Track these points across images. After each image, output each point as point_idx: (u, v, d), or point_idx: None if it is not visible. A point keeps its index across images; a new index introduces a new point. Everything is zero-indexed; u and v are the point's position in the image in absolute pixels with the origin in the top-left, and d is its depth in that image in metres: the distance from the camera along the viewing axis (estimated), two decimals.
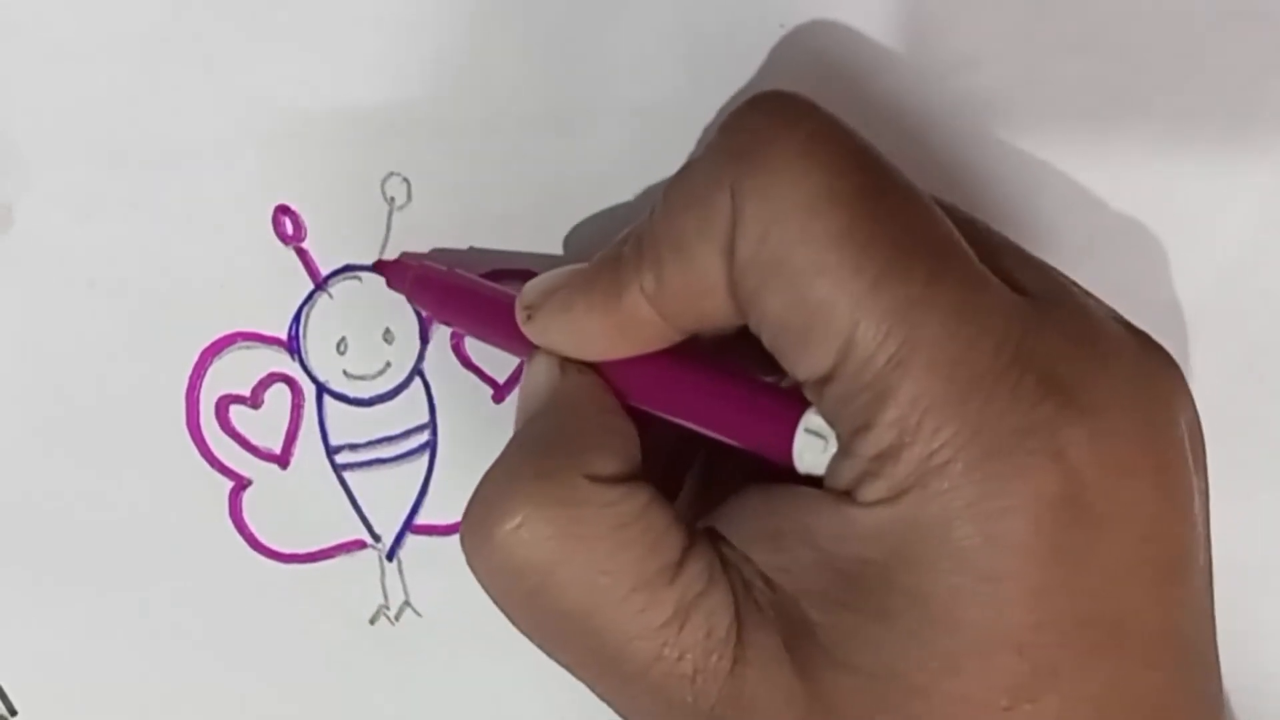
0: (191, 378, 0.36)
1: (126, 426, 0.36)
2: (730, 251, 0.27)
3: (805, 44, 0.35)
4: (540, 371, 0.30)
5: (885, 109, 0.35)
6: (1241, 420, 0.36)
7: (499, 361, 0.36)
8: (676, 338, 0.29)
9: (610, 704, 0.29)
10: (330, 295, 0.35)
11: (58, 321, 0.35)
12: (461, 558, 0.36)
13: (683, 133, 0.35)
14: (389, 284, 0.35)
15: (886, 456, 0.25)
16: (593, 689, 0.29)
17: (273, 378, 0.36)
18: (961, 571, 0.25)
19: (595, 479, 0.28)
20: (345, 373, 0.36)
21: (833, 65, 0.35)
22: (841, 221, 0.26)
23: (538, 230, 0.35)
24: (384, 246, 0.35)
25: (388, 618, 0.36)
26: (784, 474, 0.28)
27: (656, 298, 0.28)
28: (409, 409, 0.36)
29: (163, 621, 0.36)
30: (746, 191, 0.26)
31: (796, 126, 0.27)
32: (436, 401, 0.36)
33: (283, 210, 0.35)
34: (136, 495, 0.36)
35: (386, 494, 0.36)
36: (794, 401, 0.27)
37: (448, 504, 0.36)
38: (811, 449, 0.27)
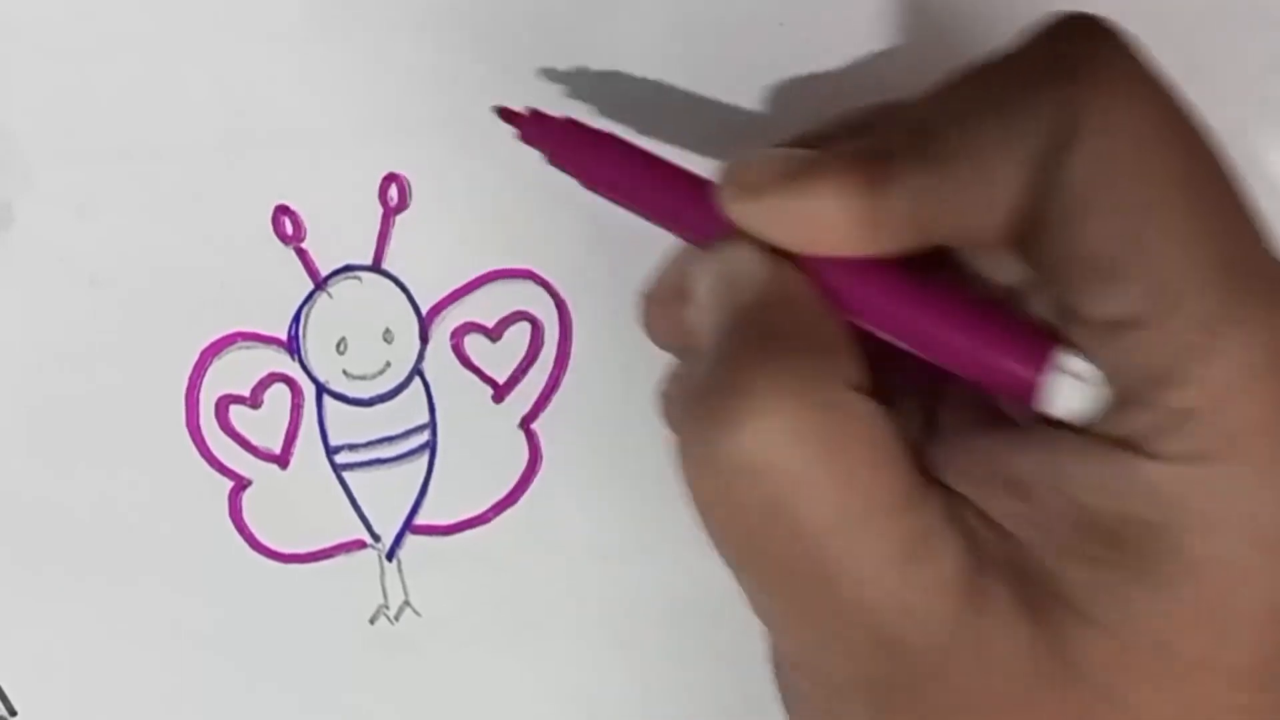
0: (191, 377, 0.36)
1: (126, 426, 0.36)
2: (1041, 169, 0.24)
3: (805, 43, 0.35)
4: (745, 259, 0.26)
5: None
6: None
7: (499, 361, 0.36)
8: (918, 247, 0.26)
9: (791, 636, 0.26)
10: (330, 295, 0.35)
11: (58, 320, 0.35)
12: (461, 558, 0.36)
13: (683, 133, 0.35)
14: (522, 136, 0.30)
15: (1198, 414, 0.23)
16: (780, 617, 0.26)
17: (272, 378, 0.36)
18: (1256, 545, 0.23)
19: (854, 388, 0.25)
20: (345, 373, 0.36)
21: (833, 65, 0.35)
22: (1185, 165, 0.24)
23: (537, 230, 0.35)
24: (383, 247, 0.35)
25: (387, 617, 0.36)
26: (1011, 417, 0.26)
27: (927, 200, 0.25)
28: (409, 409, 0.36)
29: (162, 621, 0.36)
30: (1085, 106, 0.24)
31: (1138, 55, 0.25)
32: (436, 401, 0.36)
33: (282, 210, 0.35)
34: (136, 495, 0.36)
35: (386, 494, 0.36)
36: (1042, 337, 0.25)
37: (447, 504, 0.36)
38: (1072, 391, 0.24)
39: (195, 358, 0.35)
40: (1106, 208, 0.24)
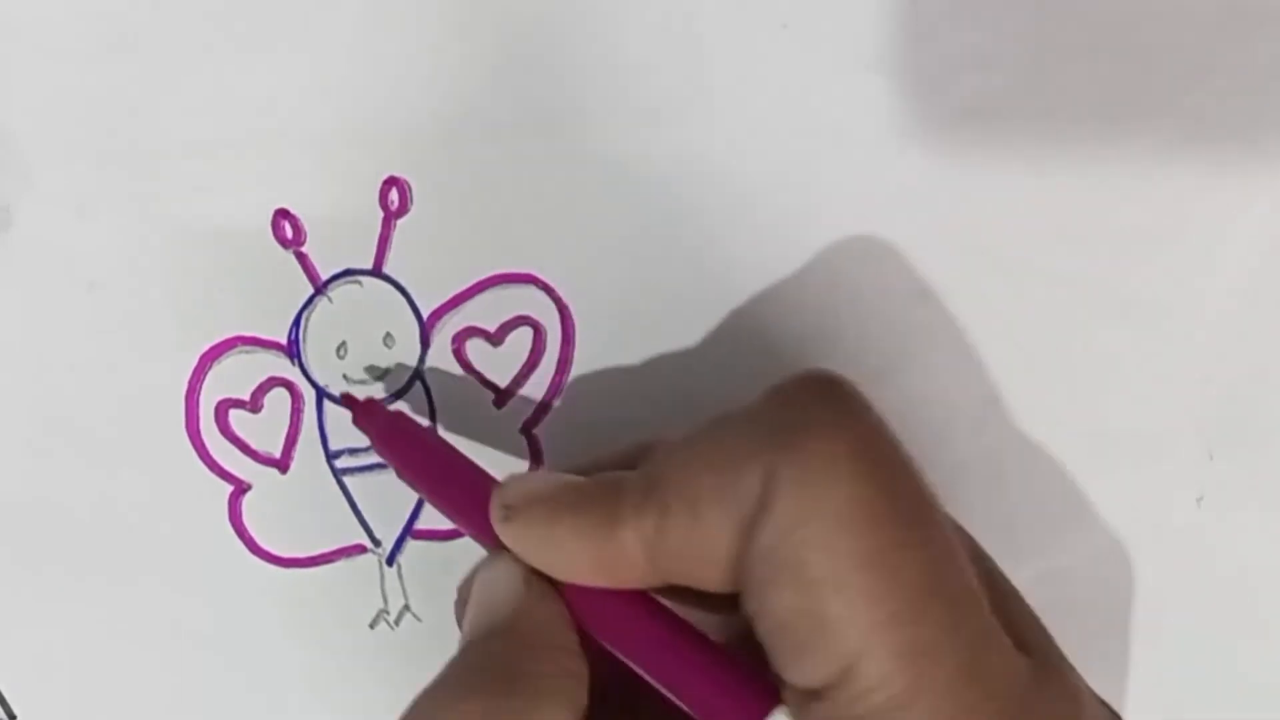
0: (191, 382, 0.36)
1: (126, 430, 0.36)
2: (748, 532, 0.26)
3: (807, 44, 0.35)
4: (503, 579, 0.29)
5: (886, 109, 0.35)
6: (1257, 431, 0.36)
7: (500, 367, 0.36)
8: (657, 584, 0.28)
9: None
10: (330, 299, 0.35)
11: (57, 324, 0.35)
12: (461, 563, 0.36)
13: (685, 134, 0.35)
14: (354, 421, 0.34)
15: None
16: None
17: (272, 382, 0.36)
18: None
19: None
20: (345, 377, 0.36)
21: (833, 65, 0.35)
22: (873, 545, 0.25)
23: (538, 234, 0.35)
24: (384, 251, 0.35)
25: (387, 622, 0.36)
26: None
27: (653, 546, 0.27)
28: (409, 413, 0.36)
29: (163, 625, 0.36)
30: (784, 479, 0.25)
31: (849, 426, 0.26)
32: (437, 406, 0.36)
33: (282, 214, 0.35)
34: (136, 498, 0.36)
35: (386, 499, 0.36)
36: (765, 692, 0.26)
37: None
38: None
39: (195, 361, 0.35)
40: (797, 581, 0.25)
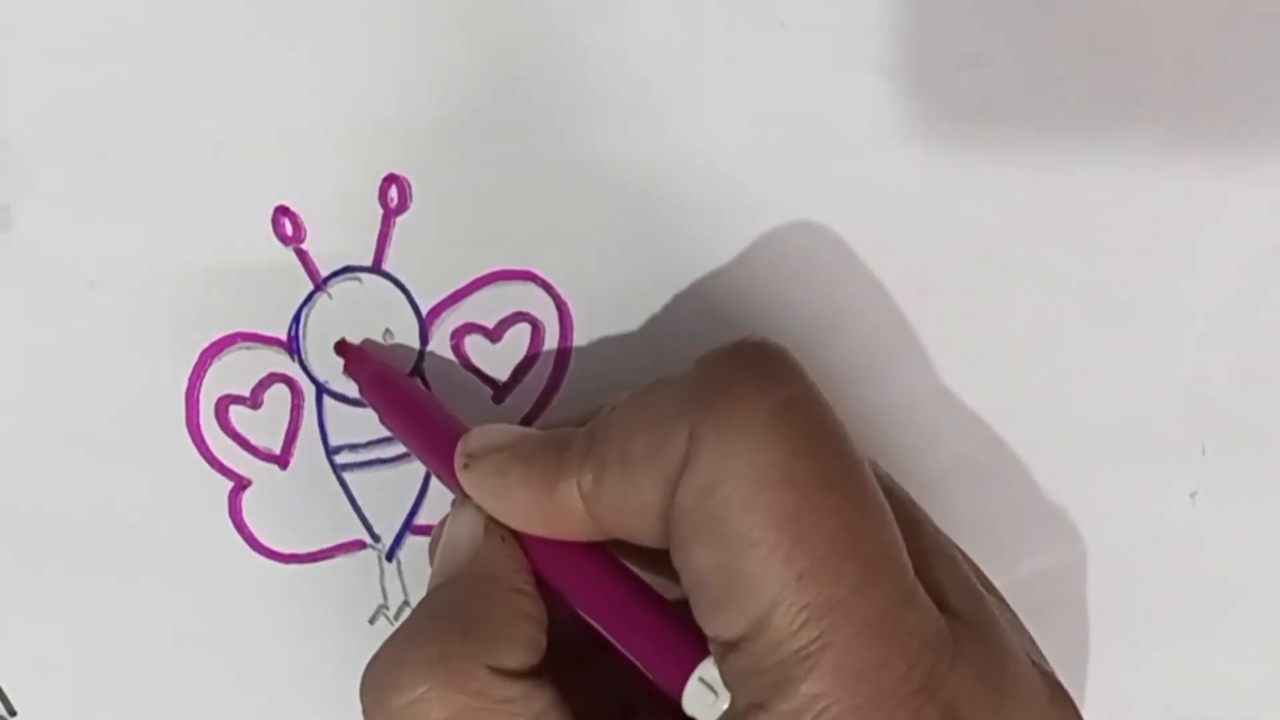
0: (191, 378, 0.36)
1: (126, 427, 0.36)
2: (673, 488, 0.27)
3: (806, 42, 0.35)
4: (464, 525, 0.31)
5: (885, 108, 0.35)
6: (1251, 426, 0.36)
7: (499, 362, 0.36)
8: (601, 537, 0.29)
9: None
10: (330, 296, 0.35)
11: (57, 322, 0.35)
12: None
13: (684, 132, 0.35)
14: (345, 370, 0.35)
15: None
16: None
17: (272, 378, 0.36)
18: None
19: (497, 671, 0.28)
20: (345, 373, 0.36)
21: (833, 64, 0.35)
22: (787, 504, 0.26)
23: (537, 231, 0.35)
24: (383, 248, 0.35)
25: (387, 618, 0.36)
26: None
27: (591, 499, 0.28)
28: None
29: (163, 622, 0.36)
30: (704, 440, 0.26)
31: (771, 391, 0.27)
32: None
33: (282, 211, 0.35)
34: (136, 495, 0.36)
35: (386, 494, 0.36)
36: (697, 643, 0.27)
37: (447, 505, 0.36)
38: (702, 699, 0.27)
39: (195, 358, 0.35)
40: (714, 537, 0.26)
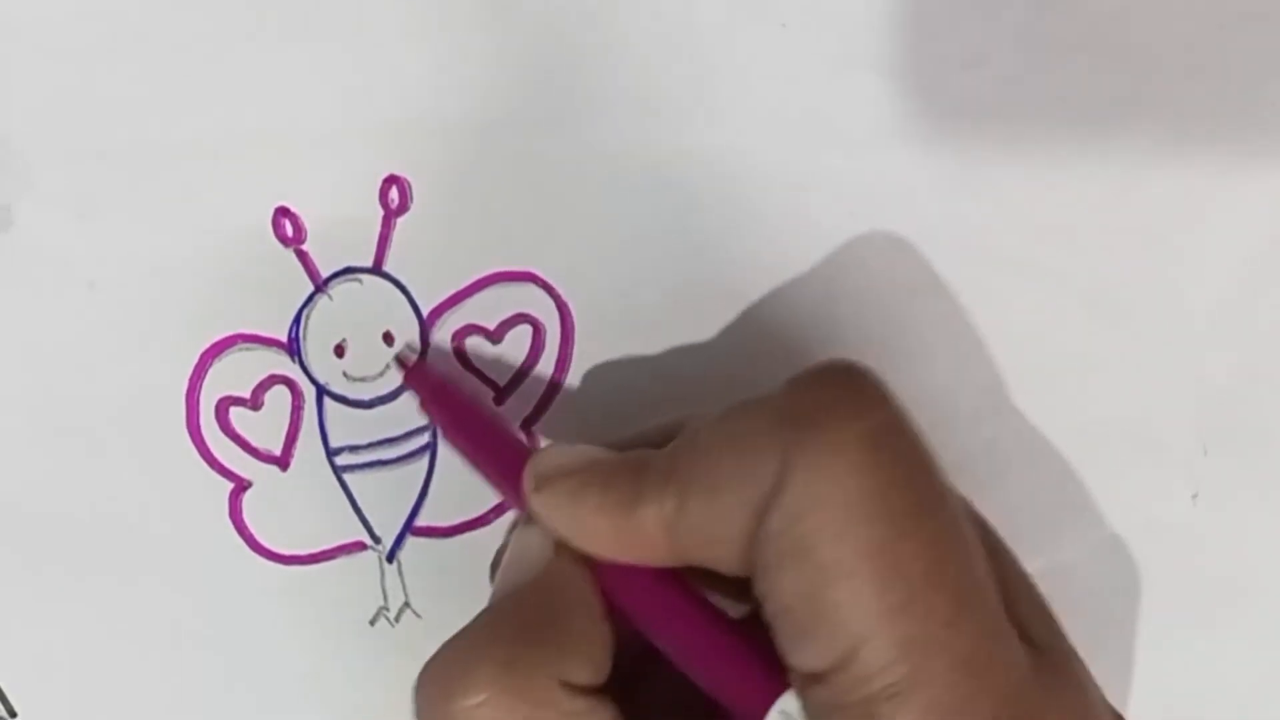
0: (191, 379, 0.36)
1: (126, 428, 0.36)
2: (762, 513, 0.26)
3: (806, 42, 0.35)
4: (533, 543, 0.30)
5: (885, 107, 0.35)
6: (1252, 426, 0.36)
7: (500, 364, 0.36)
8: (676, 564, 0.28)
9: None
10: (330, 297, 0.35)
11: (58, 322, 0.35)
12: (461, 559, 0.36)
13: (684, 133, 0.35)
14: (404, 383, 0.35)
15: None
16: None
17: (273, 379, 0.36)
18: None
19: (566, 685, 0.27)
20: (345, 374, 0.36)
21: (832, 63, 0.35)
22: (881, 535, 0.25)
23: (538, 232, 0.35)
24: (384, 249, 0.35)
25: (387, 619, 0.36)
26: None
27: (673, 525, 0.27)
28: (409, 411, 0.36)
29: (163, 622, 0.36)
30: (797, 465, 0.26)
31: (864, 417, 0.26)
32: None
33: (282, 212, 0.35)
34: (136, 497, 0.36)
35: (386, 496, 0.36)
36: (776, 673, 0.27)
37: (448, 506, 0.36)
38: None
39: (195, 359, 0.35)
40: (804, 565, 0.25)
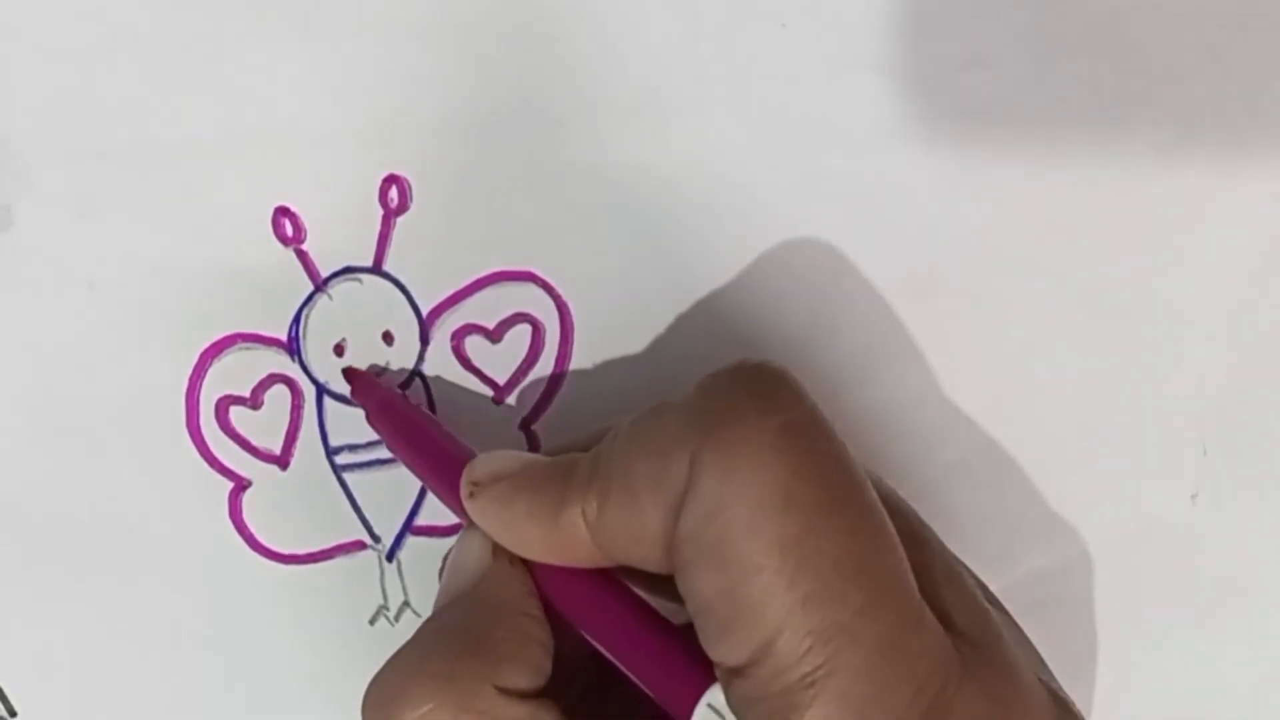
0: (191, 379, 0.36)
1: (126, 427, 0.36)
2: (677, 513, 0.27)
3: (806, 43, 0.35)
4: (473, 549, 0.31)
5: (885, 108, 0.35)
6: (1251, 426, 0.36)
7: (499, 363, 0.36)
8: (607, 564, 0.29)
9: None
10: (330, 297, 0.35)
11: (57, 322, 0.35)
12: None
13: (684, 133, 0.35)
14: (352, 395, 0.35)
15: None
16: None
17: (272, 379, 0.36)
18: None
19: (503, 691, 0.28)
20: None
21: (833, 64, 0.35)
22: (790, 529, 0.26)
23: (538, 232, 0.35)
24: (383, 248, 0.35)
25: (387, 618, 0.36)
26: None
27: (595, 526, 0.28)
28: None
29: (163, 622, 0.36)
30: (706, 466, 0.26)
31: (773, 415, 0.27)
32: (436, 402, 0.36)
33: (282, 211, 0.35)
34: (136, 496, 0.36)
35: (386, 495, 0.36)
36: (704, 669, 0.27)
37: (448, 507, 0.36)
38: None
39: (195, 359, 0.35)
40: (718, 563, 0.26)
